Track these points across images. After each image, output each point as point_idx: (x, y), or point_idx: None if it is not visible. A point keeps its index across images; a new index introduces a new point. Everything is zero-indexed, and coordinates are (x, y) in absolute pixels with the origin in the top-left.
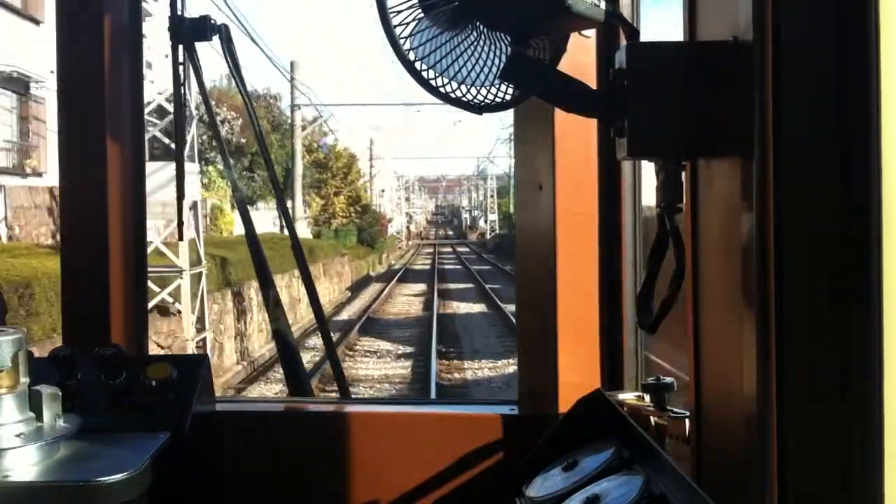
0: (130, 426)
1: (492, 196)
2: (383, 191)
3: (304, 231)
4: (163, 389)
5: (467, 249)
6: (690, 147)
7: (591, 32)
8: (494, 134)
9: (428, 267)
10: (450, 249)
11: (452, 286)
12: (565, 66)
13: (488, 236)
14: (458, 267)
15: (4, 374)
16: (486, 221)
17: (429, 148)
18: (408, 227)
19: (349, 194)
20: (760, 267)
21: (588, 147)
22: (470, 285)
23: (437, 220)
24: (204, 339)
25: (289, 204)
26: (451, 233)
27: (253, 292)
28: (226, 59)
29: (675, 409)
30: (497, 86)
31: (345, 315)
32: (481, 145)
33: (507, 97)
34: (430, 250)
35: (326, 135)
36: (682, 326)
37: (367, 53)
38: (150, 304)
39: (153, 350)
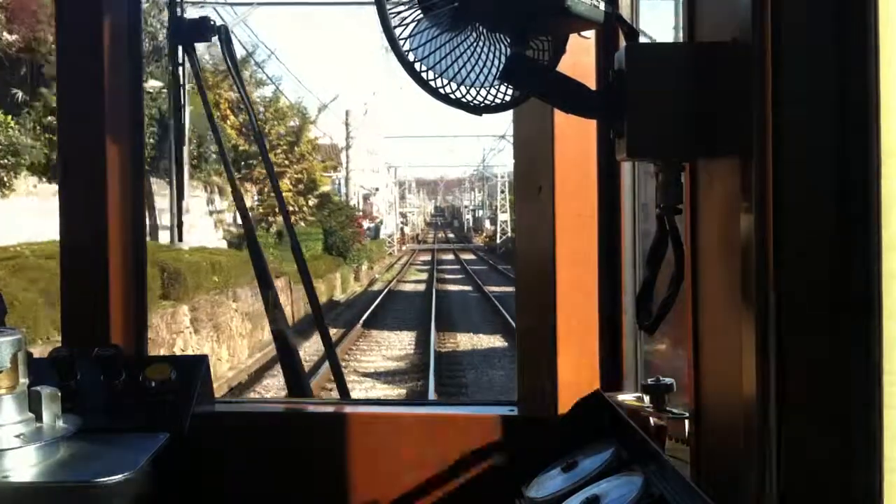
0: (130, 427)
1: (502, 191)
2: (377, 189)
3: (206, 237)
4: (162, 390)
5: (473, 256)
6: (690, 148)
7: (591, 33)
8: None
9: (422, 287)
10: (451, 256)
11: (464, 341)
12: (565, 66)
13: (498, 240)
14: (467, 288)
15: (4, 374)
16: (494, 222)
17: (427, 138)
18: (402, 230)
19: (297, 176)
20: (760, 267)
21: (588, 148)
22: (500, 343)
23: (436, 221)
24: None
25: (163, 187)
26: (451, 235)
27: None
28: (225, 59)
29: (675, 410)
30: (497, 87)
31: None
32: (487, 128)
33: (507, 98)
34: (428, 258)
35: (262, 84)
36: (682, 327)
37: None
38: None
39: None
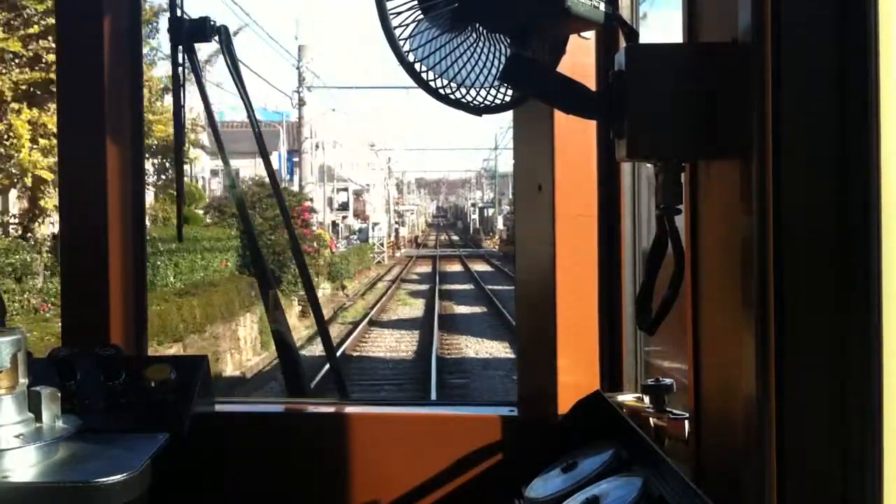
0: (130, 427)
1: None
2: (368, 185)
3: None
4: (162, 390)
5: (487, 267)
6: (690, 148)
7: (591, 33)
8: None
9: (409, 347)
10: (458, 267)
11: None
12: (565, 67)
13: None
14: (503, 351)
15: (4, 374)
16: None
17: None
18: (396, 231)
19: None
20: (760, 267)
21: (588, 148)
22: None
23: (437, 222)
24: None
25: None
26: (455, 238)
27: None
28: (225, 59)
29: (675, 411)
30: (497, 87)
31: None
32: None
33: (507, 98)
34: (427, 269)
35: None
36: (682, 328)
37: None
38: None
39: None
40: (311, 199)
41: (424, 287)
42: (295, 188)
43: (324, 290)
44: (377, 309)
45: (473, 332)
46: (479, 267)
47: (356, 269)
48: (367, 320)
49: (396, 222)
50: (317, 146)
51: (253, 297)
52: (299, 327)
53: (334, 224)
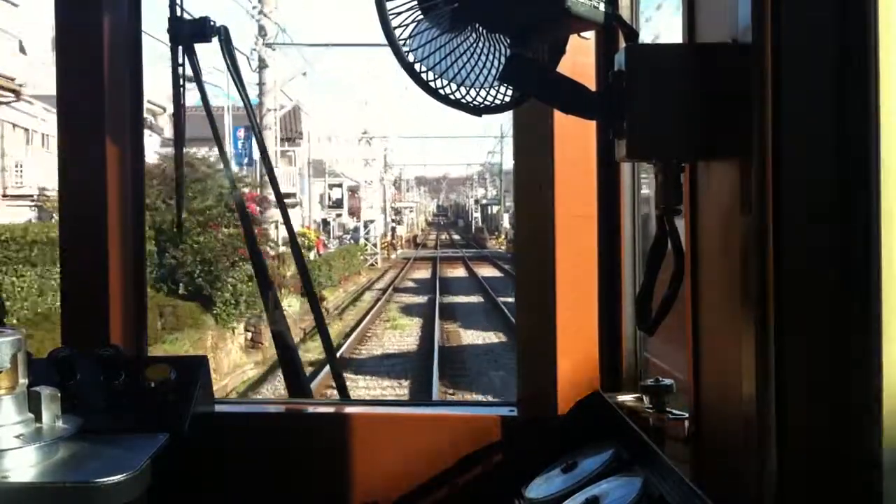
0: (130, 427)
1: None
2: (367, 182)
3: None
4: (162, 390)
5: (496, 272)
6: (690, 149)
7: (591, 33)
8: None
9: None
10: (462, 272)
11: None
12: (565, 67)
13: None
14: None
15: (3, 374)
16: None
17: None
18: (393, 230)
19: None
20: (759, 268)
21: (587, 148)
22: None
23: (438, 221)
24: None
25: None
26: (457, 237)
27: None
28: (225, 60)
29: (674, 411)
30: (497, 87)
31: None
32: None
33: (507, 98)
34: (426, 274)
35: None
36: (682, 328)
37: None
38: None
39: None
40: (296, 196)
41: (422, 300)
42: (255, 178)
43: (290, 306)
44: (355, 337)
45: (494, 384)
46: (486, 272)
47: (341, 276)
48: (337, 357)
49: (393, 220)
50: (300, 134)
51: (160, 330)
52: (244, 364)
53: (325, 222)
